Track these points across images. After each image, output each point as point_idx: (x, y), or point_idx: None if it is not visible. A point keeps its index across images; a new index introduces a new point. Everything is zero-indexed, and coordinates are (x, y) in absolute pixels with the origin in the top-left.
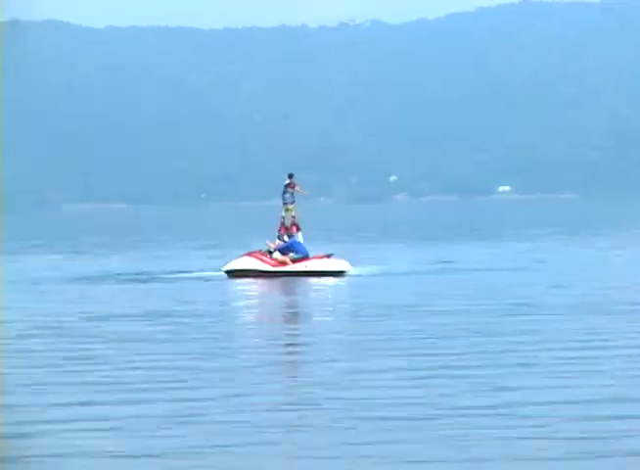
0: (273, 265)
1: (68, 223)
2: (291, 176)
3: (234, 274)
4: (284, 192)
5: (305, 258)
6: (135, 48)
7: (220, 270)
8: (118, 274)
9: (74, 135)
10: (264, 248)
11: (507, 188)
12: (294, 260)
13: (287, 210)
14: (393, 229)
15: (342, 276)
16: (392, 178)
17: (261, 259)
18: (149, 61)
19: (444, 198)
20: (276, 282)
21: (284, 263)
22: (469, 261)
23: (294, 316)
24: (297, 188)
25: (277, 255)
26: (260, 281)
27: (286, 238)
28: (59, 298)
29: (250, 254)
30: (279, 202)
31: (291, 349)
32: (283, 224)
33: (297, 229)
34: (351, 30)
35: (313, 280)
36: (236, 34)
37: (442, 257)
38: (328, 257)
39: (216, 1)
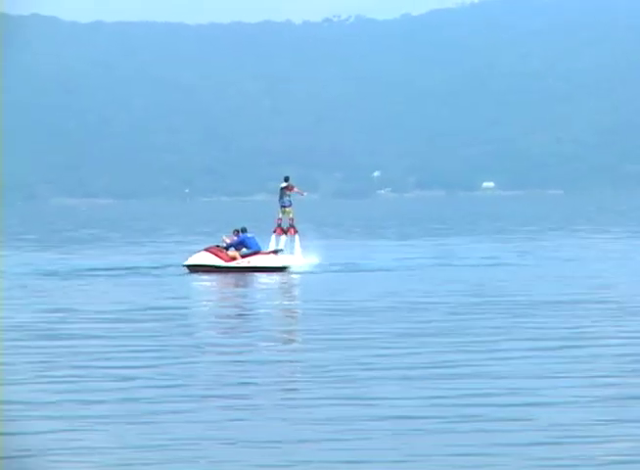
0: (226, 261)
1: (53, 218)
2: (287, 180)
3: (193, 269)
4: (282, 195)
5: (256, 253)
6: (122, 43)
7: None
8: (91, 269)
9: (63, 130)
10: (222, 243)
11: (491, 184)
12: (244, 256)
13: (284, 212)
14: (372, 224)
15: (284, 272)
16: (376, 174)
17: (217, 255)
18: (136, 56)
19: (429, 193)
20: (223, 278)
21: (234, 259)
22: (431, 257)
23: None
24: (295, 189)
25: (231, 250)
26: (213, 276)
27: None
28: (22, 293)
29: (207, 249)
30: (264, 197)
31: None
32: (279, 226)
33: (295, 232)
34: (336, 26)
35: (263, 276)
36: (221, 29)
37: (412, 253)
38: (275, 253)
39: None
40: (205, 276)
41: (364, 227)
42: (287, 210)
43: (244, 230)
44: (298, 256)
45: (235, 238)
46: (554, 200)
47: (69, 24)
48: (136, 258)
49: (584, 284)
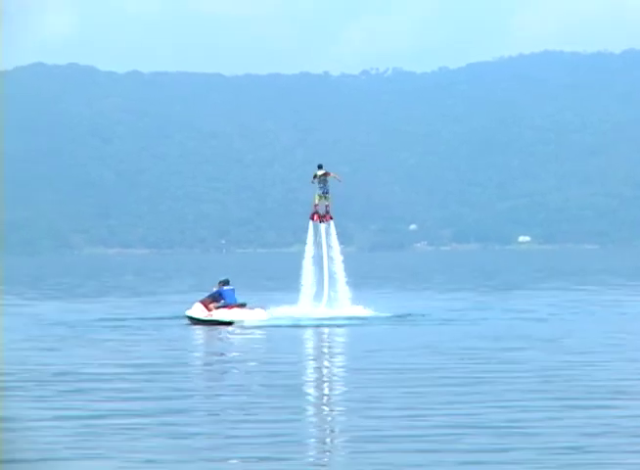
0: (207, 312)
1: (84, 268)
2: (321, 167)
3: (190, 320)
4: (324, 181)
5: (225, 306)
6: (158, 93)
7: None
8: (101, 319)
9: (99, 179)
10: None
11: (527, 238)
12: (217, 308)
13: (325, 198)
14: (418, 277)
15: (231, 326)
16: (412, 227)
17: (206, 307)
18: (172, 105)
19: (464, 247)
20: (196, 330)
21: (211, 311)
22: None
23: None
24: (334, 175)
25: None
26: (194, 328)
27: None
28: (38, 345)
29: (201, 301)
30: (298, 249)
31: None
32: (316, 212)
33: (330, 218)
34: (373, 78)
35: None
36: (258, 81)
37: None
38: (241, 306)
39: (239, 48)
40: (195, 327)
41: (410, 279)
42: (327, 196)
43: (225, 282)
44: (343, 289)
45: (215, 290)
46: (591, 254)
47: (106, 74)
48: (159, 308)
49: None
